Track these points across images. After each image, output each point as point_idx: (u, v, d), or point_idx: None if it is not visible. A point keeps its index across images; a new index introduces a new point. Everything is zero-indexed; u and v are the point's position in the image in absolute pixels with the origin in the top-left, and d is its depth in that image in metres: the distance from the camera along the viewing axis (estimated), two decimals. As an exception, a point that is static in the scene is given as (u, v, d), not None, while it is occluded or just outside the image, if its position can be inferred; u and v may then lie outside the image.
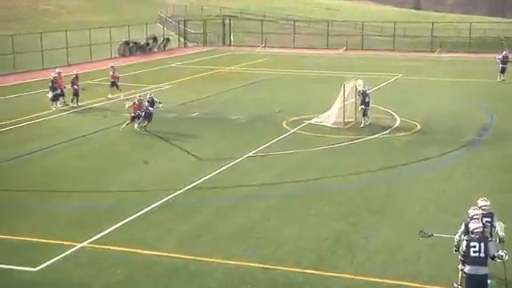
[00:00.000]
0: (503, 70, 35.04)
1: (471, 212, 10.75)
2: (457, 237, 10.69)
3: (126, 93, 30.14)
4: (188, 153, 20.30)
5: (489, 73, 36.70)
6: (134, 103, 23.39)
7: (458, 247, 10.55)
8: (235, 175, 17.96)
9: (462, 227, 10.85)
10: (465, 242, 10.17)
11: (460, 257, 10.32)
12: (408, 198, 15.93)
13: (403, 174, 18.04)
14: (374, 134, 22.75)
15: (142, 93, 25.79)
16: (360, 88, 24.25)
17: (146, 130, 23.01)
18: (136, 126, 23.20)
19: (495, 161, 19.21)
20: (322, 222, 14.27)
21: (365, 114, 23.88)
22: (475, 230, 10.11)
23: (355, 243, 13.06)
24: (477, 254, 9.97)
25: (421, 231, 11.39)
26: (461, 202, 14.95)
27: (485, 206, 10.98)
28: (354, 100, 24.51)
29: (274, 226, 14.06)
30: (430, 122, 24.77)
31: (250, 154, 20.12)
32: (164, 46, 54.44)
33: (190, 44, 58.63)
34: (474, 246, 10.01)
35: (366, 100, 23.96)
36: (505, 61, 35.08)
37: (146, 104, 23.42)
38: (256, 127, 24.12)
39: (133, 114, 23.29)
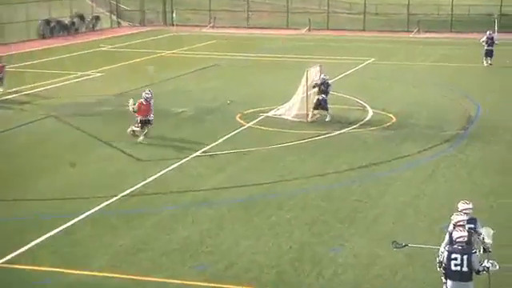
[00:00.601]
0: (489, 54, 35.80)
1: (455, 218, 10.98)
2: (441, 249, 10.88)
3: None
4: (124, 152, 20.15)
5: (474, 56, 37.53)
6: (140, 104, 21.00)
7: (442, 262, 10.59)
8: (180, 178, 17.91)
9: (447, 237, 11.04)
10: (446, 254, 10.31)
11: (442, 269, 10.48)
12: (382, 203, 16.17)
13: (377, 175, 18.30)
14: (343, 128, 23.01)
15: (147, 88, 22.57)
16: (321, 76, 24.34)
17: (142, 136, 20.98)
18: (141, 138, 20.90)
19: (482, 158, 19.67)
20: (282, 232, 14.34)
21: (326, 107, 23.98)
22: (458, 240, 10.26)
23: (321, 256, 13.15)
24: (458, 268, 10.12)
25: (394, 241, 11.57)
26: (443, 207, 15.25)
27: (466, 209, 11.20)
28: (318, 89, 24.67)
29: (226, 237, 14.08)
30: (406, 113, 25.19)
31: (198, 154, 20.10)
32: (93, 26, 53.81)
33: (124, 23, 58.13)
34: (456, 259, 10.15)
35: (329, 90, 24.18)
36: (490, 42, 35.81)
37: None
38: (204, 121, 24.10)
39: (141, 118, 20.95)
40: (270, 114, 24.87)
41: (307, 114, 24.01)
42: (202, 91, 29.25)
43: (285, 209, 15.68)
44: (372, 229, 14.60)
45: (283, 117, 24.37)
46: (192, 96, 28.14)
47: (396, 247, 11.49)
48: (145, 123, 21.08)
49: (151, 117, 21.19)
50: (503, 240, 12.55)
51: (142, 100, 21.10)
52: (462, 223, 10.71)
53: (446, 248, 10.45)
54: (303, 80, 24.39)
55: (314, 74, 24.85)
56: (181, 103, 26.59)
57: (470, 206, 11.28)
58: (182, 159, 19.45)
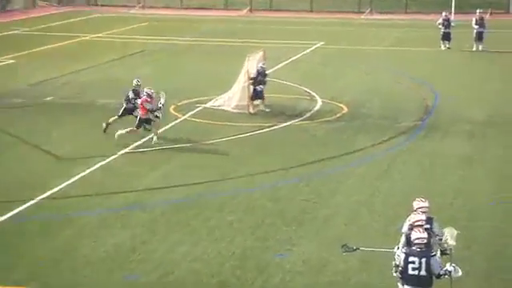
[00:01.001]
0: (447, 37, 36.46)
1: (412, 217, 11.16)
2: (397, 251, 11.03)
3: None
4: (41, 149, 19.85)
5: (431, 40, 38.15)
6: (143, 99, 20.49)
7: (398, 266, 10.74)
8: (108, 178, 17.74)
9: (403, 239, 11.21)
10: (402, 256, 10.47)
11: (398, 274, 10.64)
12: (333, 202, 16.34)
13: (327, 172, 18.47)
14: (289, 120, 23.14)
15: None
16: (259, 65, 24.27)
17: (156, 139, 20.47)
18: (155, 138, 20.43)
19: (440, 151, 20.04)
20: (223, 236, 14.35)
21: (262, 97, 24.02)
22: (417, 241, 10.44)
23: (267, 263, 13.21)
24: (416, 272, 10.31)
25: (344, 245, 11.67)
26: (399, 205, 15.50)
27: (422, 207, 11.37)
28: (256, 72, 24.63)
29: (160, 244, 14.01)
30: (359, 103, 25.49)
31: (127, 150, 19.95)
32: (3, 6, 52.71)
33: (41, 3, 57.13)
34: (413, 262, 10.33)
35: (266, 80, 24.17)
36: (447, 24, 36.43)
37: (131, 95, 21.05)
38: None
39: (143, 116, 20.44)
40: (208, 105, 24.83)
41: (249, 106, 24.06)
42: (130, 80, 28.94)
43: (225, 211, 15.69)
44: (322, 231, 14.72)
45: (223, 108, 24.37)
46: (119, 86, 27.76)
47: (346, 251, 11.58)
48: (145, 121, 20.49)
49: (156, 114, 20.46)
50: (463, 241, 12.82)
51: (145, 94, 20.54)
52: (420, 223, 10.89)
53: (403, 250, 10.61)
54: (244, 67, 24.41)
55: (257, 61, 24.90)
56: (106, 94, 26.27)
57: (427, 204, 11.42)
58: (109, 157, 19.26)
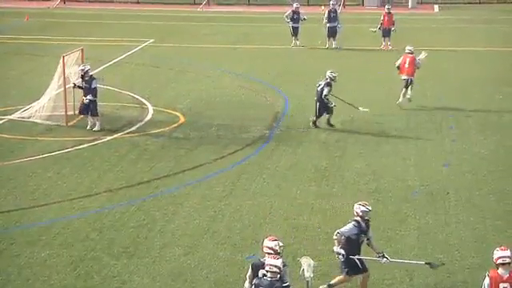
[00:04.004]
0: (295, 32, 37.30)
1: (267, 243, 11.35)
2: (246, 285, 11.24)
3: None
4: None
5: (280, 36, 38.97)
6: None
7: None
8: None
9: (249, 271, 11.38)
10: (252, 287, 10.70)
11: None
12: (171, 229, 16.32)
13: (163, 193, 18.42)
14: (115, 132, 22.94)
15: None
16: (81, 68, 23.48)
17: None
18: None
19: (293, 165, 20.42)
20: (37, 276, 14.07)
21: (96, 112, 23.12)
22: (269, 269, 10.66)
23: (93, 305, 13.11)
24: None
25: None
26: (247, 229, 15.69)
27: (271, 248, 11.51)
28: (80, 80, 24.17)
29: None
30: (198, 111, 25.63)
31: None
32: None
33: None
34: None
35: (93, 86, 23.14)
36: (296, 18, 37.24)
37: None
38: None
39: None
40: (15, 116, 24.28)
41: (66, 116, 23.64)
42: None
43: (39, 245, 15.36)
44: (158, 264, 14.69)
45: (33, 120, 23.87)
46: None
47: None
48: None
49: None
50: (328, 268, 13.17)
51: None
52: (273, 250, 11.13)
53: (254, 281, 10.77)
54: (59, 70, 23.99)
55: (74, 62, 24.46)
56: None
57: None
58: None
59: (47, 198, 17.79)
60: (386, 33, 36.45)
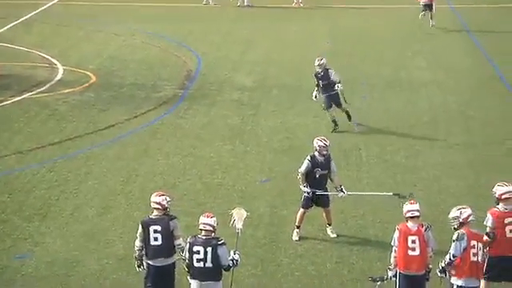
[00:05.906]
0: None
1: (154, 199, 11.60)
2: (137, 243, 11.40)
3: None
4: None
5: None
6: None
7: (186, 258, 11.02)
8: None
9: (139, 229, 11.53)
10: (187, 245, 10.84)
11: (186, 267, 10.96)
12: (84, 190, 16.28)
13: (75, 153, 18.30)
14: (24, 93, 22.60)
15: None
16: None
17: None
18: None
19: (207, 124, 20.45)
20: None
21: None
22: (203, 227, 10.85)
23: (5, 267, 13.12)
24: (201, 264, 10.70)
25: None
26: (161, 190, 15.70)
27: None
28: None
29: None
30: (109, 70, 25.42)
31: None
32: None
33: None
34: (198, 252, 10.71)
35: None
36: None
37: None
38: None
39: None
40: None
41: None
42: None
43: (-52, 208, 15.18)
44: (71, 225, 14.67)
45: None
46: None
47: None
48: None
49: None
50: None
51: None
52: (160, 205, 11.49)
53: (188, 239, 10.93)
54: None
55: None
56: None
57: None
58: None
59: (-45, 161, 17.55)
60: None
